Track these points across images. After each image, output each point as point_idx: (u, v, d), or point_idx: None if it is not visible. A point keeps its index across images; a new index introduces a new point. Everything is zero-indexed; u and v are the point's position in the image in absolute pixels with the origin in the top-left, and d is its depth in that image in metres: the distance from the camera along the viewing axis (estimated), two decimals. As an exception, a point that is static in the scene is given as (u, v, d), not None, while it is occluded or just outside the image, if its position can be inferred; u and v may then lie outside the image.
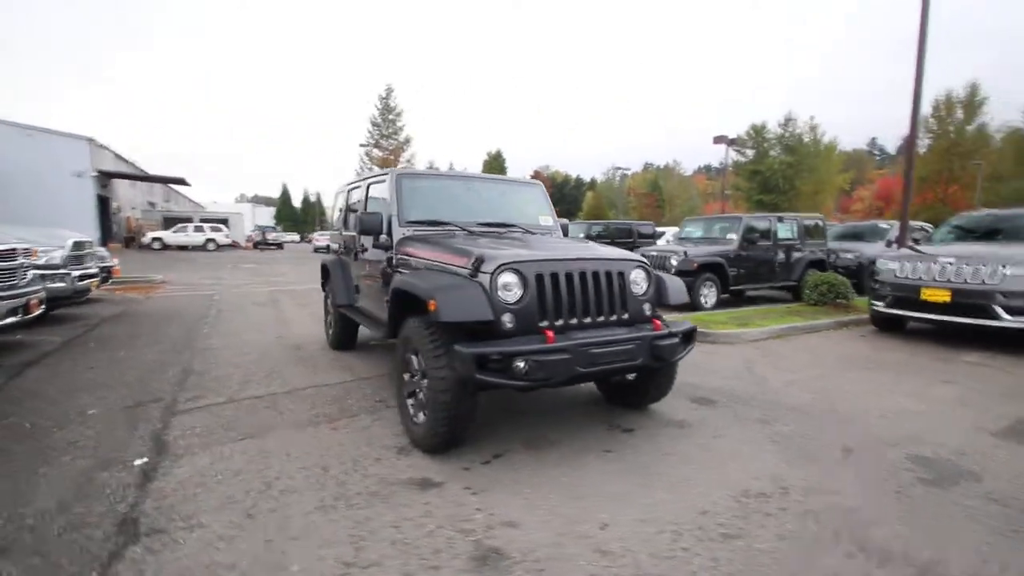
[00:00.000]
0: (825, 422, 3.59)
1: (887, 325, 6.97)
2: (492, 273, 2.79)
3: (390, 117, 30.55)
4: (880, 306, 6.64)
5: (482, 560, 2.03)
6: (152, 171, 33.84)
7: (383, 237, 3.90)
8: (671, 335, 3.08)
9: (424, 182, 4.17)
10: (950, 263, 5.89)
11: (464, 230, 3.92)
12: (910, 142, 8.93)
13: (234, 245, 32.61)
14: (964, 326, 5.87)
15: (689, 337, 3.25)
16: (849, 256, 10.76)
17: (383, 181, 4.20)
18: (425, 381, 2.93)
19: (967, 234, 7.20)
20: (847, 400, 4.07)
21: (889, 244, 11.47)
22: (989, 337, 6.11)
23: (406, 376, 3.21)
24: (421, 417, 3.00)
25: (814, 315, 7.61)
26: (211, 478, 2.70)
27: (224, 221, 34.63)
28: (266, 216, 55.36)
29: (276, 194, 62.66)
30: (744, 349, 5.91)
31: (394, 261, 3.74)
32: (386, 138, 30.39)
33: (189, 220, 32.66)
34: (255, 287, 12.27)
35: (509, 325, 2.77)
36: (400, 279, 3.23)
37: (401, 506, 2.44)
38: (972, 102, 35.01)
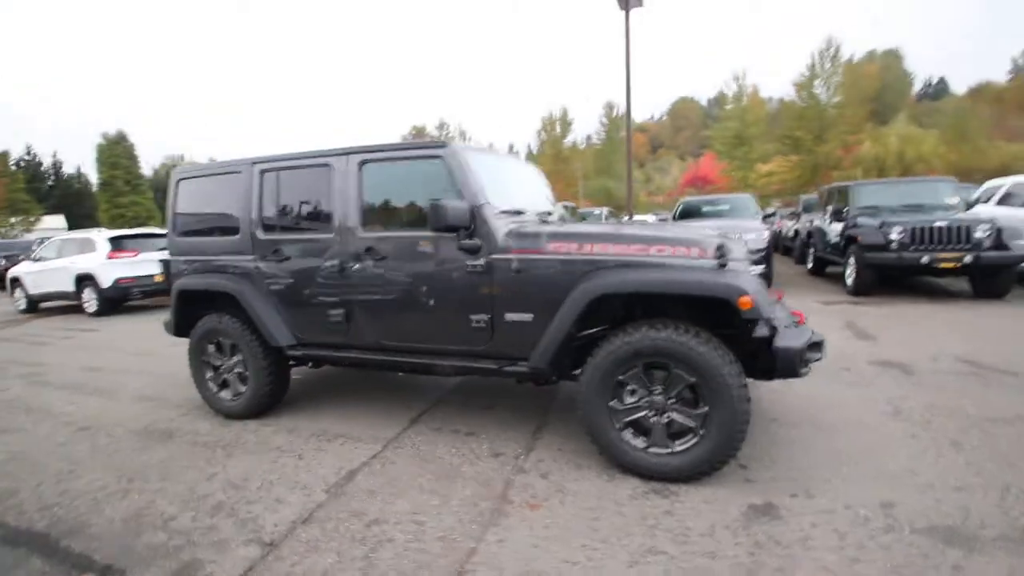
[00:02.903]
0: (794, 356, 4.67)
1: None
2: (742, 260, 2.56)
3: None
4: (671, 271, 8.72)
5: (943, 536, 2.00)
6: None
7: (463, 235, 2.84)
8: None
9: (483, 158, 3.20)
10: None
11: (541, 220, 3.25)
12: (628, 148, 11.76)
13: None
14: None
15: None
16: (587, 237, 13.38)
17: (424, 156, 2.99)
18: (666, 400, 2.49)
19: (689, 214, 10.15)
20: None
21: (604, 226, 14.82)
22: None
23: (615, 403, 2.57)
24: (677, 445, 2.50)
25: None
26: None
27: None
28: None
29: None
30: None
31: (513, 265, 2.79)
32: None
33: None
34: None
35: (757, 316, 2.62)
36: (616, 279, 2.51)
37: (809, 545, 2.06)
38: (565, 121, 47.60)
